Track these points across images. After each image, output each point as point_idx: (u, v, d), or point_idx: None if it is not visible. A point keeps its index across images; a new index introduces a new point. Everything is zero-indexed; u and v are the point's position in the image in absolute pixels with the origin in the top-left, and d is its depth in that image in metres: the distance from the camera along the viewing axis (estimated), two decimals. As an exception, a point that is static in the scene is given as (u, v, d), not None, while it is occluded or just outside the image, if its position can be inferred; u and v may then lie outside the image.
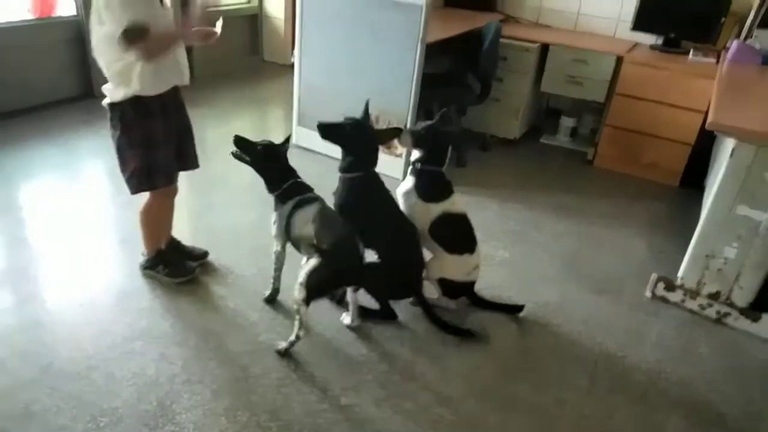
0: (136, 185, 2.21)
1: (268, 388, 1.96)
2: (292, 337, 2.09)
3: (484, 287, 2.52)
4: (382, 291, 2.33)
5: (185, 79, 2.20)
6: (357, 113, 3.64)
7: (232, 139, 2.18)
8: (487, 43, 3.70)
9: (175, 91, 2.20)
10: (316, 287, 2.04)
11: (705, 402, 2.12)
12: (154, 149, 2.15)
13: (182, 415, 1.83)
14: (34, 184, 3.21)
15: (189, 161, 2.38)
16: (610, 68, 3.87)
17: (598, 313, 2.54)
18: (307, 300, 2.04)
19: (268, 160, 2.19)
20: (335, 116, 3.69)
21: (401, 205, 2.35)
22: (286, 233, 2.19)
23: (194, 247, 2.61)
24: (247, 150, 2.18)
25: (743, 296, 2.47)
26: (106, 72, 2.05)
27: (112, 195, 3.12)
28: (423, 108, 3.95)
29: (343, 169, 2.24)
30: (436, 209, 2.31)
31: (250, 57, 5.87)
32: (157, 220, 2.40)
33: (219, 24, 2.23)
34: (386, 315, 2.35)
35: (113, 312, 2.26)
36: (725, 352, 2.38)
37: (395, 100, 3.46)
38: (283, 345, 2.12)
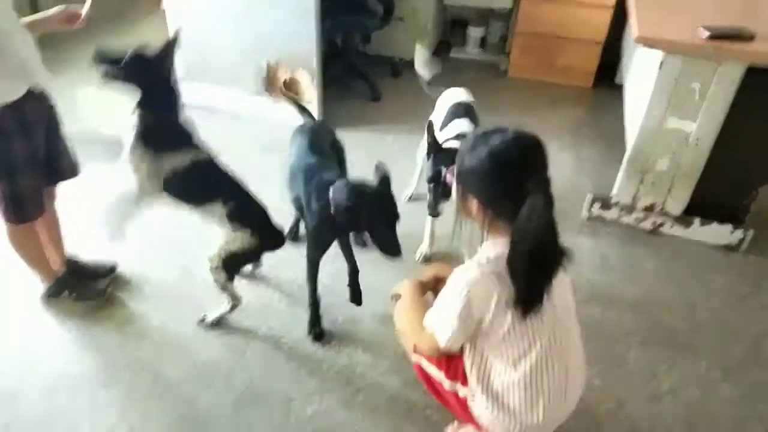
0: (5, 215, 1.81)
1: (223, 417, 1.77)
2: (225, 308, 2.00)
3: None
4: None
5: (42, 78, 1.75)
6: (253, 57, 3.25)
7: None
8: (382, -42, 3.32)
9: (35, 97, 1.74)
10: (238, 265, 1.96)
11: (658, 321, 2.17)
12: (18, 176, 1.74)
13: (133, 471, 1.63)
14: None
15: (65, 171, 1.97)
16: (513, -30, 3.63)
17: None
18: (231, 277, 1.95)
19: (146, 75, 1.72)
20: (229, 64, 3.29)
21: None
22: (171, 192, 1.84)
23: (98, 261, 2.25)
24: (112, 66, 1.72)
25: (676, 206, 2.50)
26: None
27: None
28: (325, 41, 3.58)
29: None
30: None
31: (109, -3, 5.05)
32: (30, 244, 1.99)
33: (87, 2, 1.78)
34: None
35: (21, 361, 1.94)
36: (666, 264, 2.44)
37: (294, 37, 3.07)
38: (212, 316, 2.03)
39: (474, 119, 2.27)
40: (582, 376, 1.41)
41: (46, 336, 2.03)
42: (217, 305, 2.03)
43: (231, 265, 1.90)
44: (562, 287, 1.32)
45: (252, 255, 1.98)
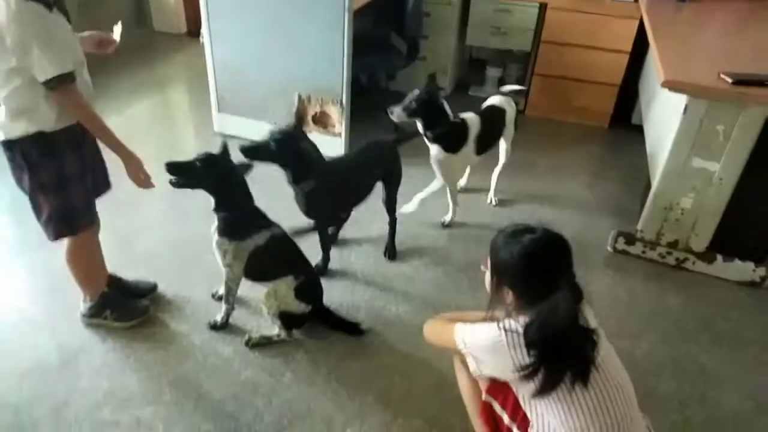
0: (54, 231, 1.88)
1: (266, 436, 1.80)
2: (274, 332, 2.10)
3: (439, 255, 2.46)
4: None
5: (92, 99, 1.86)
6: (285, 91, 3.37)
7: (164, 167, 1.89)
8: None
9: None
10: (291, 323, 2.10)
11: (686, 355, 2.21)
12: (70, 189, 1.82)
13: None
14: None
15: (102, 185, 2.06)
16: (533, 16, 3.80)
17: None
18: (287, 328, 2.10)
19: (218, 177, 1.92)
20: (261, 97, 3.40)
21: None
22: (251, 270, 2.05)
23: (139, 280, 2.30)
24: (185, 173, 1.90)
25: (699, 242, 2.58)
26: (2, 103, 1.68)
27: (26, 238, 2.62)
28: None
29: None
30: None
31: (137, 30, 5.22)
32: (89, 261, 2.06)
33: (117, 29, 1.89)
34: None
35: (64, 379, 1.96)
36: (691, 299, 2.49)
37: (325, 74, 3.20)
38: (257, 336, 2.12)
39: None
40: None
41: (88, 354, 2.06)
42: (268, 327, 2.12)
43: (286, 319, 2.07)
44: (604, 352, 1.35)
45: (302, 320, 2.12)
